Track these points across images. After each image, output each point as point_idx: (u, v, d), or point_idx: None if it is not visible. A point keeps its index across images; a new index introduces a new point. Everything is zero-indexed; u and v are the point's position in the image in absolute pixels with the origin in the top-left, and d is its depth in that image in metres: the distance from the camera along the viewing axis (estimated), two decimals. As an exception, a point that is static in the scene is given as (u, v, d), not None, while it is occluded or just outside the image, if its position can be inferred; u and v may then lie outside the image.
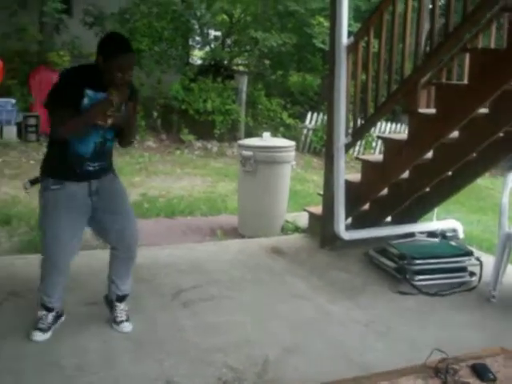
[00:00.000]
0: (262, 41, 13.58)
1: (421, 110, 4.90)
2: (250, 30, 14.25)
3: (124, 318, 3.82)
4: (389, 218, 6.03)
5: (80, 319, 3.88)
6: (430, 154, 4.97)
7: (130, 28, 12.23)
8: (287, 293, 4.64)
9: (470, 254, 5.11)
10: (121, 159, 9.12)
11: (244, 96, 13.39)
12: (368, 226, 5.65)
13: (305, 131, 13.52)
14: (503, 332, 4.00)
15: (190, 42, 15.51)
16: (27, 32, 11.82)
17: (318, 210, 6.01)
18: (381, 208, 5.73)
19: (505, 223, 4.63)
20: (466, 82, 4.70)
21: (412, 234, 5.65)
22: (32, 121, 11.17)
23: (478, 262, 4.98)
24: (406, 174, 5.24)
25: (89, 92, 3.29)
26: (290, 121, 13.59)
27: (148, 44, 12.46)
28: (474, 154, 4.97)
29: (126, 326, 3.80)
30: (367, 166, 5.50)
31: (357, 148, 12.99)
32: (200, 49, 15.97)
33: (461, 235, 6.11)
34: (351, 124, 5.46)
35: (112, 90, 3.25)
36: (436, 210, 6.08)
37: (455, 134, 4.70)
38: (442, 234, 5.73)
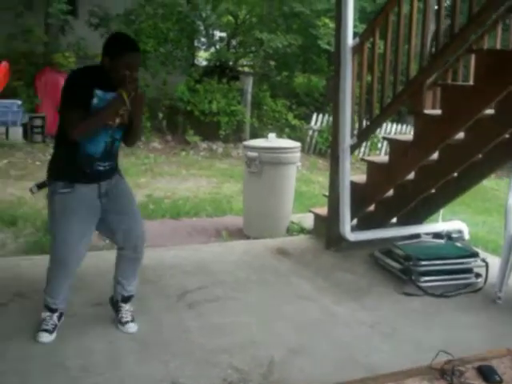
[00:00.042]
0: (267, 42, 13.59)
1: (426, 111, 4.89)
2: (256, 31, 14.27)
3: (129, 318, 3.82)
4: (394, 220, 6.02)
5: (85, 320, 3.89)
6: (435, 155, 4.96)
7: (135, 29, 12.24)
8: (292, 294, 4.64)
9: (475, 255, 5.10)
10: (126, 160, 9.14)
11: (249, 97, 13.39)
12: (373, 228, 5.64)
13: (310, 132, 13.51)
14: (509, 333, 3.98)
15: (196, 43, 15.54)
16: (33, 33, 11.84)
17: (323, 211, 6.00)
18: (386, 209, 5.72)
19: (511, 224, 4.61)
20: (471, 83, 4.69)
21: (417, 236, 5.64)
22: (38, 122, 11.19)
23: (483, 264, 4.97)
24: (411, 176, 5.23)
25: (98, 92, 3.30)
26: (295, 122, 13.59)
27: (153, 45, 12.47)
28: (480, 156, 4.95)
29: (132, 327, 3.81)
30: (373, 167, 5.49)
31: (362, 149, 12.97)
32: (205, 50, 16.01)
33: (466, 236, 6.10)
34: (356, 125, 5.46)
35: (121, 89, 3.26)
36: (441, 211, 6.06)
37: (461, 135, 4.70)
38: (448, 236, 5.72)
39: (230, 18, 15.33)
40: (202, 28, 14.72)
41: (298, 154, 6.47)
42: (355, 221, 5.73)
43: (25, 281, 4.42)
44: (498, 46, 5.19)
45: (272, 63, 15.83)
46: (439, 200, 5.70)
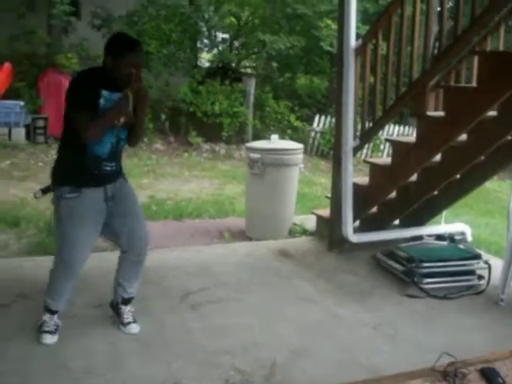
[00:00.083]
0: (269, 43, 13.60)
1: (429, 113, 4.89)
2: (258, 33, 14.28)
3: (131, 319, 3.83)
4: (397, 221, 6.01)
5: (87, 321, 3.89)
6: (438, 157, 4.96)
7: (137, 30, 12.24)
8: (295, 296, 4.64)
9: (478, 257, 5.09)
10: (129, 161, 9.14)
11: (252, 98, 13.41)
12: (376, 229, 5.64)
13: (312, 134, 13.52)
14: (512, 335, 3.99)
15: (198, 45, 15.56)
16: (35, 34, 11.85)
17: (325, 212, 6.00)
18: (389, 211, 5.72)
19: (513, 226, 4.62)
20: (474, 84, 4.69)
21: (420, 237, 5.64)
22: (40, 123, 11.21)
23: (486, 266, 4.97)
24: (414, 177, 5.23)
25: (104, 93, 3.30)
26: (297, 123, 13.59)
27: (156, 46, 12.48)
28: (483, 157, 4.95)
29: (134, 328, 3.81)
30: (375, 168, 5.49)
31: (365, 151, 12.94)
32: (208, 51, 16.03)
33: (469, 238, 6.08)
34: (359, 127, 5.45)
35: (127, 89, 3.27)
36: (444, 213, 6.06)
37: (463, 136, 4.69)
38: (450, 237, 5.71)
39: (233, 19, 15.35)
40: (204, 29, 14.74)
41: (301, 156, 6.47)
42: (358, 222, 5.73)
43: (27, 282, 4.41)
44: (501, 48, 5.18)
45: (274, 65, 15.86)
46: (442, 202, 5.70)
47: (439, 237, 5.69)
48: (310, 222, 6.43)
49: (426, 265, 4.87)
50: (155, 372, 3.35)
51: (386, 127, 12.95)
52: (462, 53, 5.15)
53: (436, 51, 4.58)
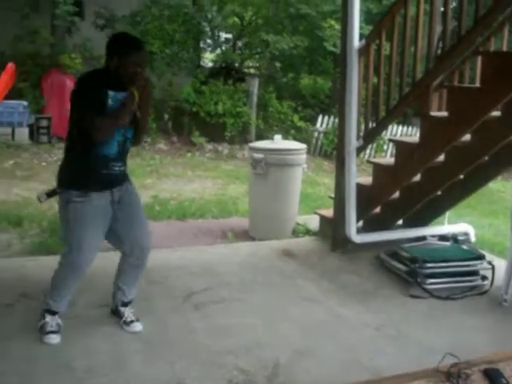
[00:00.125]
0: (273, 43, 13.59)
1: (433, 113, 4.89)
2: (261, 33, 14.27)
3: (133, 318, 3.83)
4: (400, 222, 6.01)
5: (91, 321, 3.89)
6: (441, 157, 4.95)
7: (141, 30, 12.25)
8: (298, 296, 4.63)
9: (481, 257, 5.08)
10: (132, 161, 9.05)
11: (255, 98, 13.40)
12: (379, 230, 5.63)
13: (316, 134, 13.49)
14: (515, 336, 3.98)
15: (201, 45, 15.56)
16: (39, 35, 11.89)
17: (329, 212, 6.00)
18: (392, 211, 5.71)
19: (517, 227, 4.61)
20: (478, 85, 4.69)
21: (423, 238, 5.64)
22: (44, 123, 11.24)
23: (489, 266, 4.95)
24: (417, 178, 5.23)
25: (110, 93, 3.32)
26: (300, 124, 13.58)
27: (159, 46, 12.49)
28: (486, 158, 4.94)
29: (137, 326, 3.81)
30: (379, 169, 5.49)
31: (368, 151, 12.90)
32: (211, 51, 16.03)
33: (472, 239, 6.08)
34: (363, 127, 5.45)
35: (132, 88, 3.30)
36: (447, 213, 6.05)
37: (467, 137, 4.69)
38: (454, 238, 5.71)
39: (236, 19, 15.34)
40: (207, 29, 14.73)
41: (304, 156, 6.47)
42: (361, 223, 5.71)
43: (30, 282, 4.42)
44: (505, 48, 5.18)
45: (278, 65, 15.84)
46: (445, 202, 5.69)
47: (442, 237, 5.69)
48: (314, 222, 6.43)
49: (429, 265, 4.86)
50: (158, 372, 3.36)
51: (390, 127, 12.92)
52: (466, 53, 5.14)
53: (439, 51, 4.56)
